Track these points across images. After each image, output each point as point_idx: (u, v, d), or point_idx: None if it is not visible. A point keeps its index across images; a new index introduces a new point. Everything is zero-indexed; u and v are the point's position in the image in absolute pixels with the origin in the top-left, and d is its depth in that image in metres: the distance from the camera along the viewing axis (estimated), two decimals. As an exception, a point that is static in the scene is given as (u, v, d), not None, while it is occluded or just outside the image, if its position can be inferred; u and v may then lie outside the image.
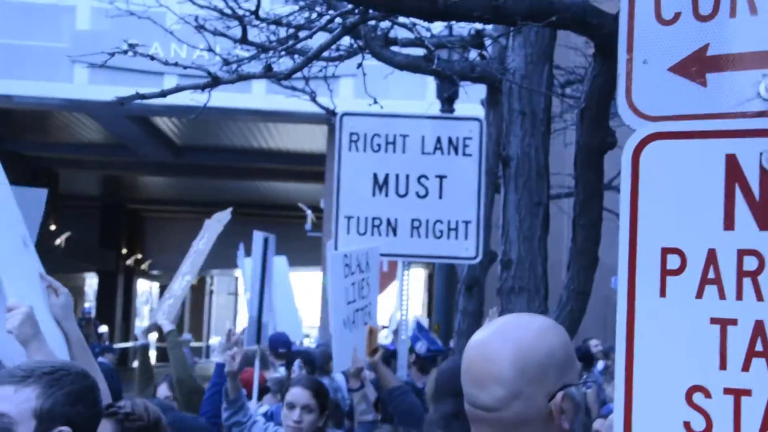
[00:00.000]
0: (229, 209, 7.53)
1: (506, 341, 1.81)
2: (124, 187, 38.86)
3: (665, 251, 2.02)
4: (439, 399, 3.78)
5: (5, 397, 2.33)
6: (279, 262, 10.88)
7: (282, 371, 7.86)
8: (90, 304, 39.38)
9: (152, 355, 18.17)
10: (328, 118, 10.04)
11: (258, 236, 6.92)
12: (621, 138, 3.91)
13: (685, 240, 2.00)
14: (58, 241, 30.42)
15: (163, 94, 4.89)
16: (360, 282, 5.67)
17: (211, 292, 48.18)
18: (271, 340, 8.61)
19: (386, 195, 6.24)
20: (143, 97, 4.51)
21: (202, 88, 5.01)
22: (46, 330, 2.93)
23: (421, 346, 7.97)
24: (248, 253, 8.01)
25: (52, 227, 29.41)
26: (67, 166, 31.48)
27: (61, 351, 2.97)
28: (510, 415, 1.78)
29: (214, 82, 4.95)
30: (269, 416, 5.69)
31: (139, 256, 43.28)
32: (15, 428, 2.26)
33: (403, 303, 6.46)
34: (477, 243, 6.19)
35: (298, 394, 4.29)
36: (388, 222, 6.20)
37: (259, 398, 6.79)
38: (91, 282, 40.07)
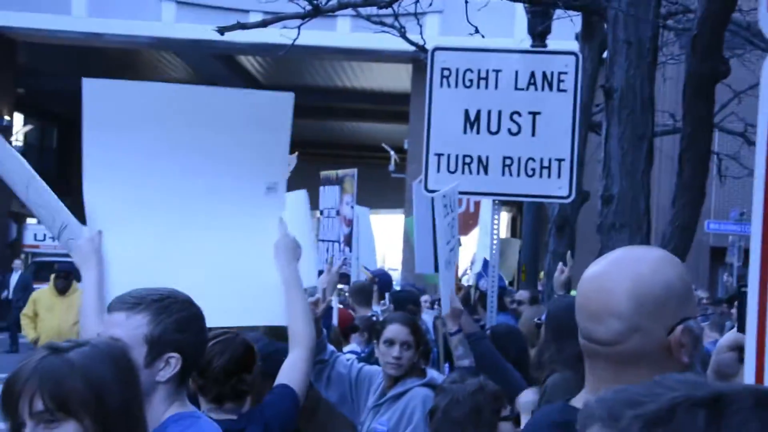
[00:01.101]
0: (295, 153, 7.55)
1: (623, 274, 1.75)
2: (210, 127, 39.36)
3: (806, 179, 1.86)
4: (560, 340, 3.69)
5: (118, 323, 2.39)
6: (361, 211, 10.83)
7: (377, 310, 7.84)
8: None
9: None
10: (414, 56, 9.89)
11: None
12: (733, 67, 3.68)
13: (829, 167, 1.84)
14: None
15: (264, 24, 4.83)
16: (451, 221, 5.61)
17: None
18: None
19: (477, 132, 6.05)
20: (244, 27, 4.46)
21: (303, 17, 4.91)
22: (265, 269, 3.16)
23: (484, 283, 7.94)
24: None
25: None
26: (154, 105, 31.97)
27: (272, 286, 3.15)
28: (628, 350, 1.73)
29: (315, 11, 4.85)
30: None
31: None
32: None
33: (494, 244, 6.32)
34: (570, 181, 5.97)
35: (397, 330, 4.26)
36: (479, 160, 6.03)
37: (347, 337, 6.77)
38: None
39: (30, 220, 32.15)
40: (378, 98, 30.00)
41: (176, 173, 3.23)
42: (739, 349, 1.99)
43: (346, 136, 37.28)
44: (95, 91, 3.14)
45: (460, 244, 6.23)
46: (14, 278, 20.38)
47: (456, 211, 5.70)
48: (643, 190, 4.88)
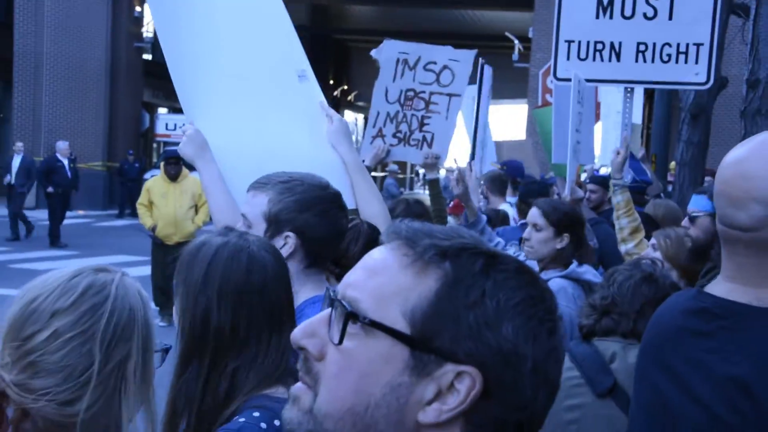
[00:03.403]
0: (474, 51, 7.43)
1: (766, 159, 1.70)
2: (332, 17, 39.28)
3: None
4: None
5: (246, 201, 2.52)
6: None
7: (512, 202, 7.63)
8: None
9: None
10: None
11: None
12: None
13: None
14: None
15: None
16: (578, 115, 5.54)
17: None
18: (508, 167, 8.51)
19: (611, 17, 5.86)
20: None
21: None
22: (321, 154, 3.14)
23: (626, 175, 7.72)
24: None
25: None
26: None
27: (339, 173, 3.11)
28: None
29: None
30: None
31: (346, 87, 44.19)
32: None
33: (625, 132, 6.19)
34: (709, 67, 5.74)
35: (533, 214, 4.27)
36: (612, 46, 5.85)
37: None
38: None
39: (161, 110, 33.21)
40: (501, -15, 29.23)
41: (229, 66, 3.25)
42: None
43: (468, 25, 36.57)
44: None
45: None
46: (16, 162, 18.51)
47: (588, 102, 5.59)
48: (792, 73, 4.65)
